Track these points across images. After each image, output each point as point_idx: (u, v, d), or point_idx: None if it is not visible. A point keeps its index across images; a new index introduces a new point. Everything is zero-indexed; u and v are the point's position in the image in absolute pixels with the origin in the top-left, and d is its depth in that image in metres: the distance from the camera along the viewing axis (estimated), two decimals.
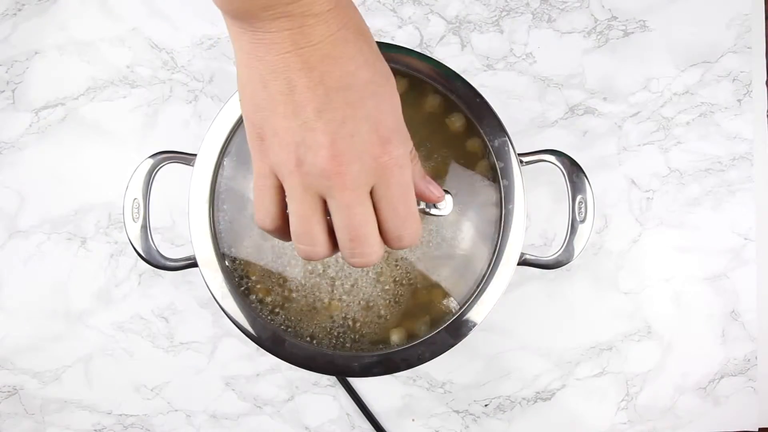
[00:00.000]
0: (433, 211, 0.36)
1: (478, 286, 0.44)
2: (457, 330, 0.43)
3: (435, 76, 0.44)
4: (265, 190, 0.30)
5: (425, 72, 0.44)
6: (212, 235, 0.43)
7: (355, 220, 0.29)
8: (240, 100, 0.29)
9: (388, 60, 0.44)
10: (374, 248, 0.30)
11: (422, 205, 0.35)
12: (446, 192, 0.36)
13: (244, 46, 0.28)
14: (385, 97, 0.29)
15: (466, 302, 0.43)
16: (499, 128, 0.43)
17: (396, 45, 0.44)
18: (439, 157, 0.44)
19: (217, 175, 0.44)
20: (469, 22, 0.55)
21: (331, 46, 0.27)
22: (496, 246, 0.44)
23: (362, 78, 0.28)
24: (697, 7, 0.55)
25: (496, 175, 0.44)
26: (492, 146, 0.43)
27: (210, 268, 0.43)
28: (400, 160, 0.29)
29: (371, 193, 0.29)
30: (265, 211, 0.30)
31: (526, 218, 0.43)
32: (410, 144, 0.30)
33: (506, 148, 0.43)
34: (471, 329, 0.43)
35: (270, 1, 0.26)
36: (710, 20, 0.55)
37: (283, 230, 0.31)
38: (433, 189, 0.34)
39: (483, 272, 0.44)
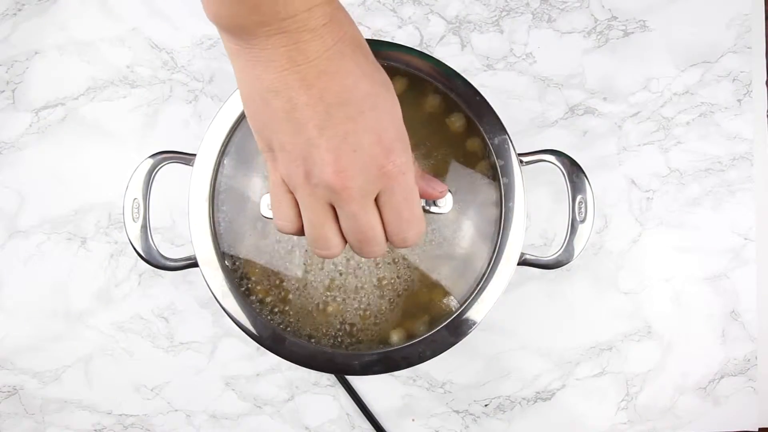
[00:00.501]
0: (433, 209, 0.36)
1: (478, 285, 0.43)
2: (457, 328, 0.43)
3: (435, 75, 0.44)
4: (281, 196, 0.31)
5: (425, 70, 0.44)
6: (212, 234, 0.43)
7: (362, 227, 0.30)
8: (246, 114, 0.30)
9: (388, 59, 0.44)
10: (381, 246, 0.31)
11: (422, 203, 0.35)
12: (449, 192, 0.36)
13: (242, 64, 0.28)
14: (385, 107, 0.29)
15: (467, 301, 0.43)
16: (498, 127, 0.43)
17: (396, 43, 0.44)
18: (438, 155, 0.44)
19: (217, 175, 0.43)
20: (469, 22, 0.55)
21: (327, 61, 0.27)
22: (496, 244, 0.43)
23: (361, 91, 0.28)
24: (697, 7, 0.55)
25: (497, 174, 0.44)
26: (492, 144, 0.43)
27: (210, 268, 0.43)
28: (403, 167, 0.29)
29: (377, 197, 0.30)
30: (283, 217, 0.31)
31: (526, 216, 0.43)
32: (410, 148, 0.31)
33: (506, 147, 0.43)
34: (471, 328, 0.43)
35: (265, 18, 0.26)
36: (710, 20, 0.55)
37: (302, 231, 0.32)
38: (434, 185, 0.34)
39: (483, 271, 0.44)
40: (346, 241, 0.32)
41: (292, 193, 0.31)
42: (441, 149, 0.44)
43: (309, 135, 0.28)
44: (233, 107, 0.43)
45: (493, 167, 0.44)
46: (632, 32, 0.55)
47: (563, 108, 0.55)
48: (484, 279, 0.43)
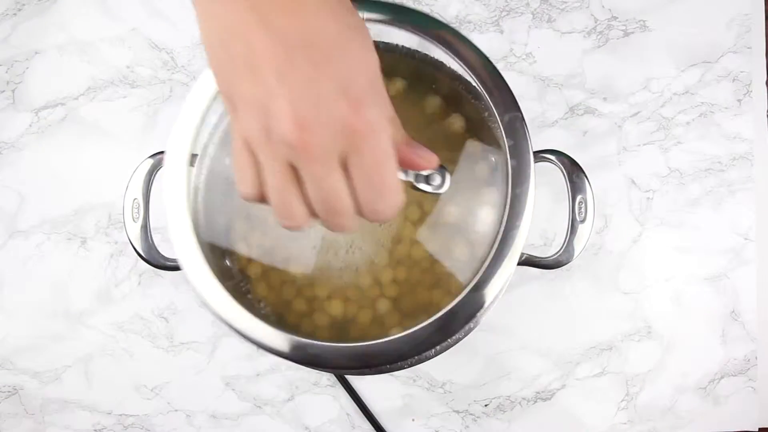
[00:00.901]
0: (423, 186, 0.30)
1: (479, 279, 0.42)
2: (457, 327, 0.42)
3: (443, 39, 0.41)
4: (243, 158, 0.27)
5: (433, 34, 0.41)
6: (196, 234, 0.39)
7: (326, 192, 0.26)
8: (208, 65, 0.27)
9: (390, 24, 0.40)
10: (350, 218, 0.28)
11: (410, 177, 0.30)
12: (442, 167, 0.31)
13: (201, 3, 0.26)
14: (356, 53, 0.25)
15: (468, 298, 0.43)
16: (510, 101, 0.40)
17: (402, 5, 0.41)
18: (438, 140, 0.43)
19: (196, 170, 0.41)
20: (469, 22, 0.55)
21: None
22: (499, 230, 0.41)
23: (328, 33, 0.25)
24: (697, 7, 0.55)
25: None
26: (502, 122, 0.40)
27: (197, 271, 0.39)
28: (375, 125, 0.25)
29: (346, 161, 0.26)
30: (244, 181, 0.28)
31: (534, 202, 0.41)
32: (389, 107, 0.27)
33: (518, 125, 0.40)
34: (477, 315, 0.42)
35: None
36: (710, 20, 0.55)
37: (265, 198, 0.28)
38: (421, 153, 0.30)
39: (485, 265, 0.42)
40: (314, 212, 0.28)
41: (255, 154, 0.27)
42: (441, 140, 0.43)
43: (267, 83, 0.24)
44: (203, 92, 0.40)
45: (502, 147, 0.41)
46: (632, 32, 0.55)
47: (563, 108, 0.55)
48: (485, 273, 0.42)
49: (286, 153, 0.25)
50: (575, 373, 0.54)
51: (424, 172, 0.30)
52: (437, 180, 0.30)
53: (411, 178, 0.30)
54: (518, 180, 0.37)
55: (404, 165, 0.29)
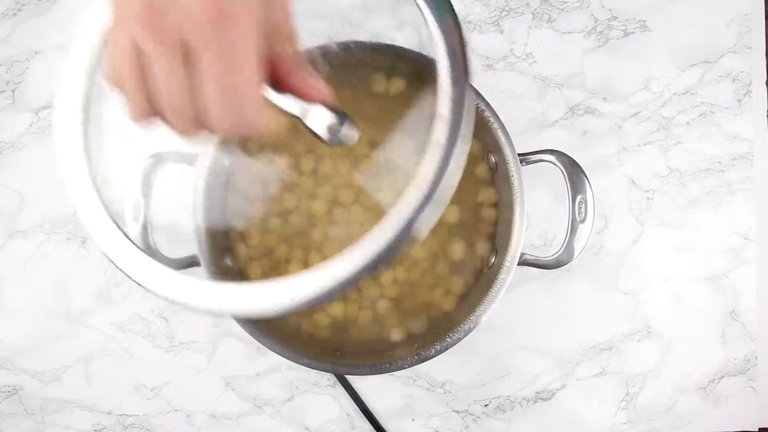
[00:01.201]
0: (314, 127, 0.24)
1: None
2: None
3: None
4: (109, 41, 0.25)
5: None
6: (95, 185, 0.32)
7: (165, 83, 0.23)
8: None
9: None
10: (188, 121, 0.24)
11: (296, 110, 0.24)
12: (345, 114, 0.24)
13: None
14: None
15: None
16: (464, 71, 0.37)
17: None
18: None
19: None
20: (469, 22, 0.55)
21: None
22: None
23: None
24: (697, 7, 0.55)
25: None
26: (453, 92, 0.38)
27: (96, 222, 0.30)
28: (236, 19, 0.22)
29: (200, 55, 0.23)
30: (106, 63, 0.25)
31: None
32: (277, 12, 0.24)
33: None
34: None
35: None
36: (710, 20, 0.55)
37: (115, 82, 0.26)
38: (312, 81, 0.25)
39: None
40: (156, 108, 0.25)
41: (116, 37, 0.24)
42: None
43: None
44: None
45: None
46: (632, 32, 0.55)
47: (563, 108, 0.55)
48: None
49: (134, 32, 0.22)
50: (575, 373, 0.54)
51: (322, 116, 0.24)
52: (335, 128, 0.24)
53: (297, 112, 0.24)
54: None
55: (283, 85, 0.25)
